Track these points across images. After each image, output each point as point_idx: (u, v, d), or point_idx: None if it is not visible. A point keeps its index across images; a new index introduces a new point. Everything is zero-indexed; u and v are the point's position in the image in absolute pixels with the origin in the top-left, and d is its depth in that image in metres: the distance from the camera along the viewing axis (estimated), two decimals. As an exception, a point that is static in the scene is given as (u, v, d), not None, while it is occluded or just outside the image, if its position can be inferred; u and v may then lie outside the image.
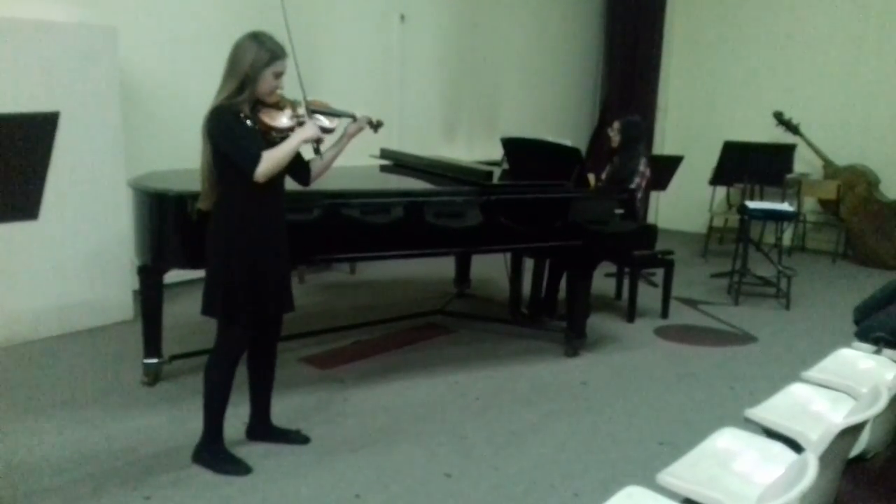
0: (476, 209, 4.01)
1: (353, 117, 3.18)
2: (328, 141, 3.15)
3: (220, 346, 3.06)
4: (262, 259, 2.94)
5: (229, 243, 2.92)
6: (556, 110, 8.68)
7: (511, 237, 4.20)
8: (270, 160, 2.80)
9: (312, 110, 3.03)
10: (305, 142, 2.94)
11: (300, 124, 2.96)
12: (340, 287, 6.03)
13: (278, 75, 2.86)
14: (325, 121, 3.06)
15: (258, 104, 2.90)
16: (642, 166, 5.01)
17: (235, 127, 2.80)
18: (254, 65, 2.78)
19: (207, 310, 3.00)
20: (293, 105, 2.99)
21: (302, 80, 3.00)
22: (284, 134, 2.94)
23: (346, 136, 3.18)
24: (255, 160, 2.77)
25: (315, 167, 3.13)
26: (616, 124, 5.10)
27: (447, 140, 7.44)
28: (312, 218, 3.63)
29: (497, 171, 4.56)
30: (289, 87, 2.99)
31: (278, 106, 2.95)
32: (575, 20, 8.88)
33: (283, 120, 2.93)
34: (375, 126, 3.28)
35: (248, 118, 2.85)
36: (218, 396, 3.05)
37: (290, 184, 3.12)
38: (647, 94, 8.88)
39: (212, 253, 2.97)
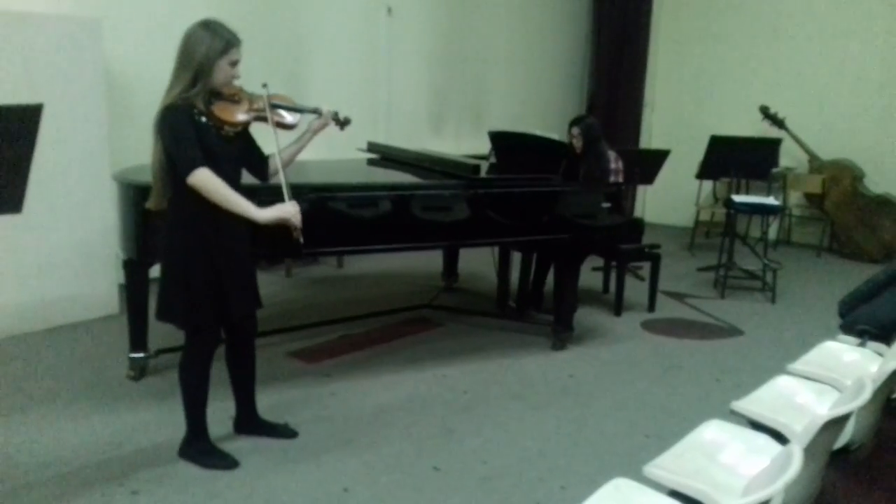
0: (463, 203, 4.01)
1: (318, 112, 3.09)
2: (291, 136, 3.06)
3: (188, 348, 2.99)
4: (220, 259, 2.84)
5: (186, 244, 2.81)
6: (543, 104, 8.69)
7: (498, 231, 4.20)
8: (207, 184, 2.66)
9: (274, 104, 2.92)
10: (262, 222, 2.75)
11: (258, 118, 2.86)
12: (328, 281, 6.02)
13: (234, 64, 2.75)
14: (286, 115, 2.97)
15: (213, 97, 2.78)
16: (613, 162, 5.04)
17: (183, 128, 2.67)
18: (208, 55, 2.68)
19: (164, 315, 2.88)
20: (251, 99, 2.88)
21: (269, 108, 2.87)
22: (238, 129, 2.84)
23: (310, 132, 3.11)
24: (193, 164, 2.65)
25: (274, 163, 2.98)
26: (575, 130, 5.07)
27: (434, 133, 7.43)
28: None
29: (484, 165, 4.56)
30: (276, 82, 2.95)
31: (234, 98, 2.83)
32: (562, 14, 8.88)
33: (238, 114, 2.81)
34: (342, 123, 3.18)
35: (203, 114, 2.75)
36: (196, 395, 3.02)
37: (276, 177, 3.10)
38: (633, 89, 8.90)
39: (167, 255, 2.87)
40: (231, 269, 2.89)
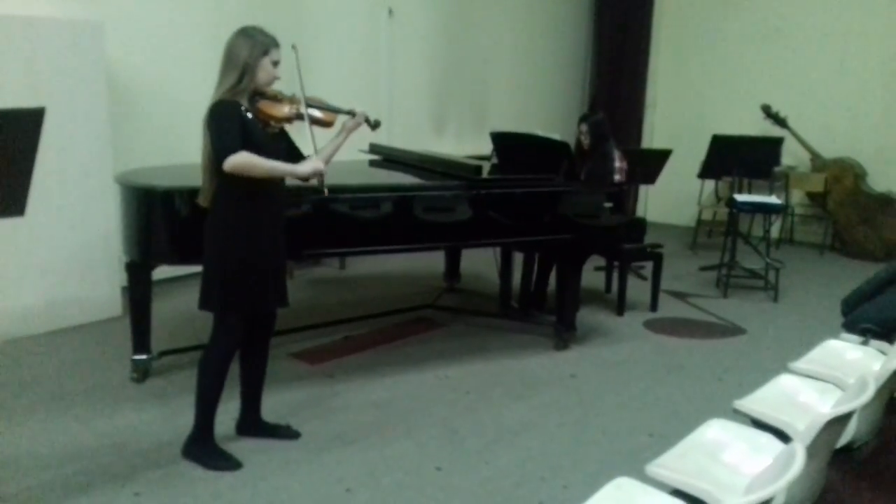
0: (465, 203, 4.01)
1: (352, 113, 3.22)
2: (327, 135, 3.17)
3: (215, 340, 3.05)
4: (258, 253, 2.95)
5: (226, 236, 2.93)
6: (544, 104, 8.68)
7: (500, 231, 4.20)
8: (246, 162, 2.79)
9: (310, 105, 3.06)
10: (298, 176, 2.97)
11: (298, 116, 2.99)
12: (330, 282, 6.02)
13: (276, 63, 2.90)
14: (320, 114, 3.10)
15: (257, 96, 2.93)
16: (618, 161, 5.04)
17: (229, 119, 2.81)
18: (252, 54, 2.83)
19: (204, 304, 3.00)
20: (291, 99, 3.02)
21: (301, 75, 3.01)
22: (282, 124, 3.00)
23: (345, 131, 3.23)
24: (230, 150, 2.77)
25: None
26: (583, 126, 5.10)
27: (436, 135, 7.43)
28: (302, 213, 3.62)
29: (486, 166, 4.56)
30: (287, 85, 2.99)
31: (276, 98, 2.99)
32: (563, 14, 8.88)
33: (282, 109, 2.96)
34: (373, 125, 3.33)
35: (248, 110, 2.88)
36: (212, 390, 3.05)
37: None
38: (635, 88, 8.90)
39: (209, 246, 2.97)
40: (268, 262, 3.00)
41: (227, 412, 3.33)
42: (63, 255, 4.50)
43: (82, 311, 4.63)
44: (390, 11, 6.77)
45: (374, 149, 5.07)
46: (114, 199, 4.06)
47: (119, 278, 4.56)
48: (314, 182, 3.02)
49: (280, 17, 5.82)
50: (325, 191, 3.02)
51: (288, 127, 3.09)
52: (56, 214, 4.40)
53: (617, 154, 5.09)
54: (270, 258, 3.01)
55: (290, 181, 3.13)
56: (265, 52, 2.85)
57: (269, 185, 2.94)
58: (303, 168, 2.95)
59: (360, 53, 6.65)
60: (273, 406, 3.51)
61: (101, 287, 4.72)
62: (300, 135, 3.08)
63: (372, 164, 4.94)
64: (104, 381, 3.84)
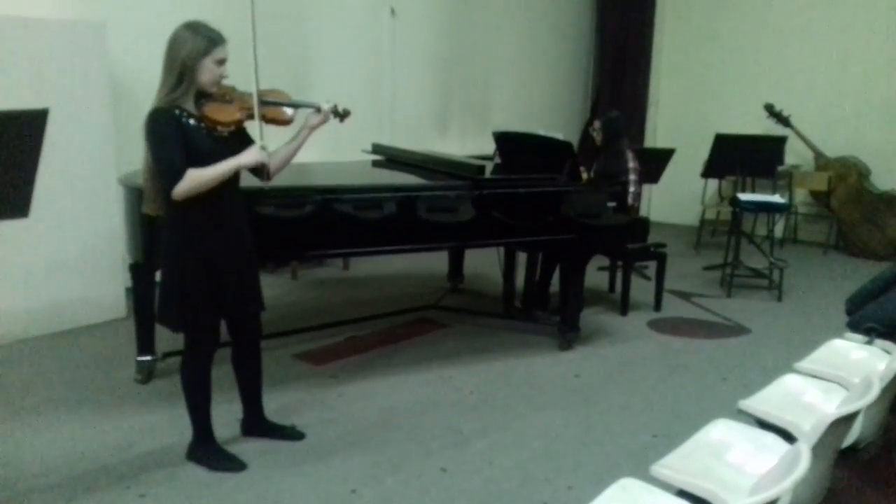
0: (468, 204, 4.00)
1: (318, 108, 2.98)
2: (288, 133, 2.98)
3: (187, 352, 2.98)
4: (216, 260, 2.82)
5: (180, 247, 2.80)
6: (547, 104, 8.68)
7: (504, 231, 4.20)
8: (193, 180, 2.65)
9: (265, 101, 2.84)
10: (244, 168, 2.79)
11: (250, 116, 2.80)
12: (334, 283, 6.02)
13: (220, 62, 2.73)
14: (279, 111, 2.89)
15: (203, 98, 2.76)
16: (631, 161, 5.04)
17: (166, 133, 2.66)
18: (191, 54, 2.67)
19: (162, 318, 2.89)
20: (242, 97, 2.83)
21: (257, 69, 2.79)
22: (231, 128, 2.81)
23: (306, 128, 2.99)
24: (176, 176, 2.64)
25: (273, 163, 2.91)
26: (596, 123, 5.15)
27: (439, 134, 7.43)
28: (305, 213, 3.61)
29: (489, 166, 4.57)
30: (280, 83, 2.94)
31: (225, 98, 2.79)
32: (566, 13, 8.87)
33: (230, 113, 2.77)
34: (342, 115, 3.05)
35: (192, 116, 2.74)
36: (198, 397, 3.02)
37: (282, 180, 3.10)
38: (637, 87, 8.89)
39: (164, 258, 2.87)
40: (227, 270, 2.86)
41: (231, 413, 3.33)
42: (67, 257, 4.51)
43: (87, 313, 4.64)
44: (392, 11, 6.77)
45: (376, 149, 5.08)
46: (118, 200, 4.06)
47: (123, 279, 4.56)
48: (264, 182, 2.84)
49: (282, 17, 5.84)
50: (266, 184, 2.85)
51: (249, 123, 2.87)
52: (60, 216, 4.41)
53: (630, 154, 5.07)
54: (232, 264, 2.87)
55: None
56: (206, 52, 2.67)
57: (225, 189, 2.78)
58: (245, 158, 2.75)
59: (363, 53, 6.65)
60: (277, 407, 3.51)
61: (106, 288, 4.73)
62: (268, 132, 2.85)
63: (375, 164, 4.94)
64: (109, 383, 3.85)
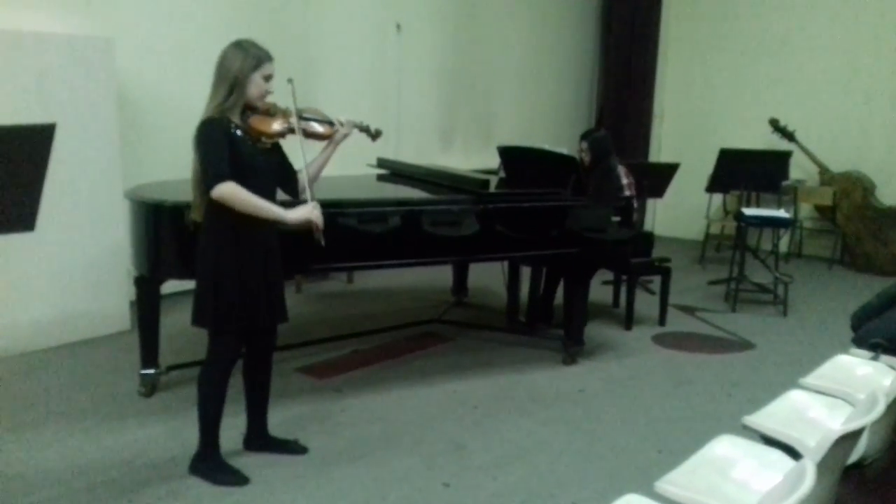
0: (473, 218, 4.01)
1: (340, 124, 3.16)
2: (319, 147, 3.15)
3: (211, 357, 3.03)
4: (251, 269, 2.92)
5: (219, 253, 2.90)
6: (552, 118, 8.71)
7: (508, 245, 4.20)
8: (237, 194, 2.77)
9: (304, 117, 3.04)
10: (288, 223, 2.91)
11: (291, 130, 2.97)
12: (338, 296, 6.03)
13: (267, 78, 2.89)
14: (318, 127, 3.09)
15: (249, 111, 2.92)
16: (623, 178, 5.03)
17: (216, 141, 2.79)
18: (242, 69, 2.81)
19: (197, 320, 2.98)
20: (284, 113, 3.00)
21: (294, 88, 2.99)
22: (274, 140, 2.96)
23: (332, 144, 3.16)
24: (219, 177, 2.76)
25: (302, 180, 3.07)
26: (583, 144, 5.08)
27: (444, 149, 7.46)
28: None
29: (494, 180, 4.57)
30: (286, 98, 2.99)
31: (269, 112, 2.96)
32: (571, 28, 8.91)
33: (273, 125, 2.93)
34: (374, 135, 3.30)
35: (239, 127, 2.86)
36: (212, 407, 3.04)
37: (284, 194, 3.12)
38: (642, 102, 8.91)
39: (201, 262, 2.95)
40: (262, 278, 2.96)
41: (235, 427, 3.33)
42: (72, 270, 4.52)
43: (91, 325, 4.65)
44: (398, 27, 6.82)
45: (381, 163, 5.09)
46: (123, 214, 4.08)
47: (128, 292, 4.57)
48: (316, 236, 2.93)
49: (289, 32, 5.88)
50: (322, 241, 2.92)
51: (285, 140, 3.05)
52: (66, 229, 4.43)
53: (622, 170, 5.08)
54: (266, 272, 2.97)
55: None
56: (256, 67, 2.83)
57: (259, 194, 2.87)
58: (293, 215, 2.90)
59: (369, 68, 6.69)
60: (280, 421, 3.51)
61: (111, 301, 4.74)
62: (296, 148, 3.02)
63: (379, 178, 4.96)
64: (112, 395, 3.85)
